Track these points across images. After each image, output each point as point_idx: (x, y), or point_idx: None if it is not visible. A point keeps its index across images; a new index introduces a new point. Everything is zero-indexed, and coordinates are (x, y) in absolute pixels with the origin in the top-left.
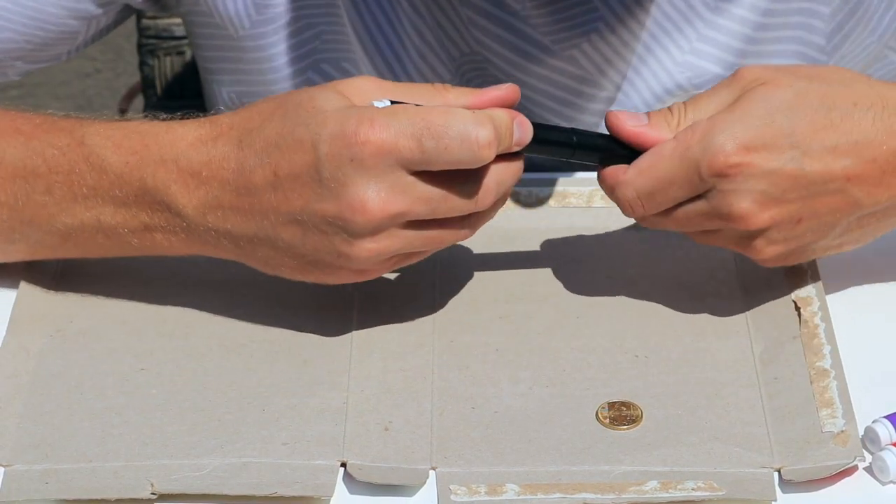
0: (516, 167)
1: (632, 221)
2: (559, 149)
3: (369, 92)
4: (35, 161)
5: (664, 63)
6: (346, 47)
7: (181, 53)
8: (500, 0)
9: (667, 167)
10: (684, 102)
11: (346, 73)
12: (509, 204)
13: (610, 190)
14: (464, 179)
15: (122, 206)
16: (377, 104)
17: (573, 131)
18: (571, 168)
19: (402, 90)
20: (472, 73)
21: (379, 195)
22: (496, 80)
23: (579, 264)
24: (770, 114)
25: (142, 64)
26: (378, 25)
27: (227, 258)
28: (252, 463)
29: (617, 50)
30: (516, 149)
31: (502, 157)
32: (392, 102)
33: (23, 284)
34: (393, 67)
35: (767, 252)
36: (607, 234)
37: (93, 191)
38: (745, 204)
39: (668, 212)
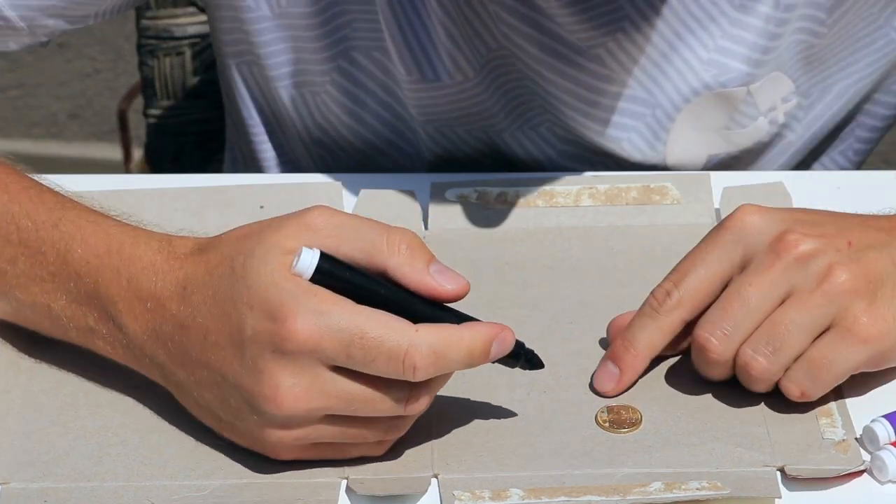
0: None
1: (620, 221)
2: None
3: (317, 230)
4: (10, 228)
5: (690, 62)
6: (378, 35)
7: (181, 53)
8: None
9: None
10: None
11: (377, 63)
12: (496, 204)
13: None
14: (393, 384)
15: (73, 302)
16: (304, 254)
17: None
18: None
19: (352, 231)
20: (500, 70)
21: (293, 390)
22: (524, 76)
23: (568, 265)
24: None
25: (142, 64)
26: (407, 17)
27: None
28: (253, 483)
29: (642, 48)
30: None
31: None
32: (323, 255)
33: None
34: (420, 63)
35: (838, 278)
36: (595, 234)
37: (52, 277)
38: (792, 236)
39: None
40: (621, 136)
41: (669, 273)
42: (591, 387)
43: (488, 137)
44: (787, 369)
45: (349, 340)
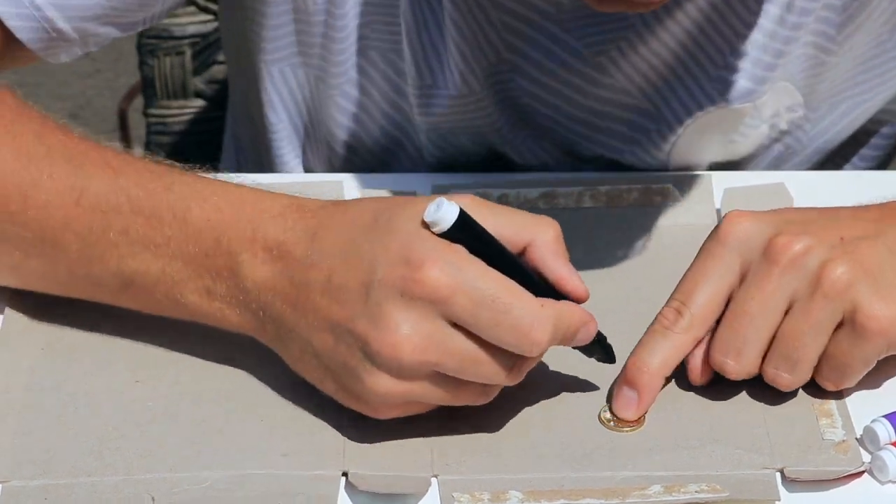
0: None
1: (621, 222)
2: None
3: (467, 204)
4: (119, 198)
5: (699, 78)
6: (396, 38)
7: (181, 53)
8: (534, 4)
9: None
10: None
11: (391, 63)
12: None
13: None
14: (505, 352)
15: (190, 263)
16: (445, 206)
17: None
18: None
19: (501, 217)
20: (502, 85)
21: (413, 338)
22: (525, 92)
23: None
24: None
25: (142, 64)
26: (427, 29)
27: (267, 343)
28: (253, 475)
29: (647, 59)
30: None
31: None
32: (461, 213)
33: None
34: (434, 72)
35: (834, 274)
36: (597, 235)
37: (167, 240)
38: (782, 239)
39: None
40: (623, 147)
41: (675, 291)
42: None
43: (490, 145)
44: (816, 368)
45: (480, 299)
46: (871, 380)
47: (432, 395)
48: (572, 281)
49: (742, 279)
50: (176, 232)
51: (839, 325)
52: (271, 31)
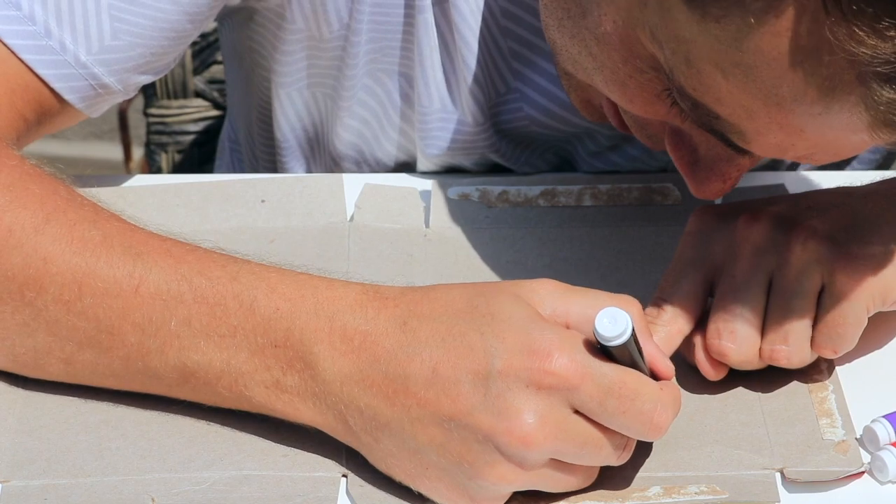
0: None
1: (621, 221)
2: None
3: (550, 298)
4: (181, 287)
5: None
6: (406, 63)
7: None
8: (539, 29)
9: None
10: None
11: (399, 87)
12: (498, 203)
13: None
14: (619, 434)
15: (258, 354)
16: (619, 315)
17: None
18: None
19: (583, 296)
20: (506, 116)
21: (543, 428)
22: (531, 120)
23: (570, 265)
24: None
25: None
26: (449, 55)
27: (343, 438)
28: (253, 476)
29: None
30: None
31: None
32: (632, 333)
33: None
34: (444, 100)
35: (800, 239)
36: (597, 233)
37: (233, 330)
38: (747, 215)
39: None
40: (624, 164)
41: (657, 290)
42: None
43: (490, 163)
44: (812, 338)
45: (609, 388)
46: (871, 379)
47: (546, 483)
48: (663, 360)
49: (721, 266)
50: (242, 322)
51: (823, 292)
52: (284, 61)
